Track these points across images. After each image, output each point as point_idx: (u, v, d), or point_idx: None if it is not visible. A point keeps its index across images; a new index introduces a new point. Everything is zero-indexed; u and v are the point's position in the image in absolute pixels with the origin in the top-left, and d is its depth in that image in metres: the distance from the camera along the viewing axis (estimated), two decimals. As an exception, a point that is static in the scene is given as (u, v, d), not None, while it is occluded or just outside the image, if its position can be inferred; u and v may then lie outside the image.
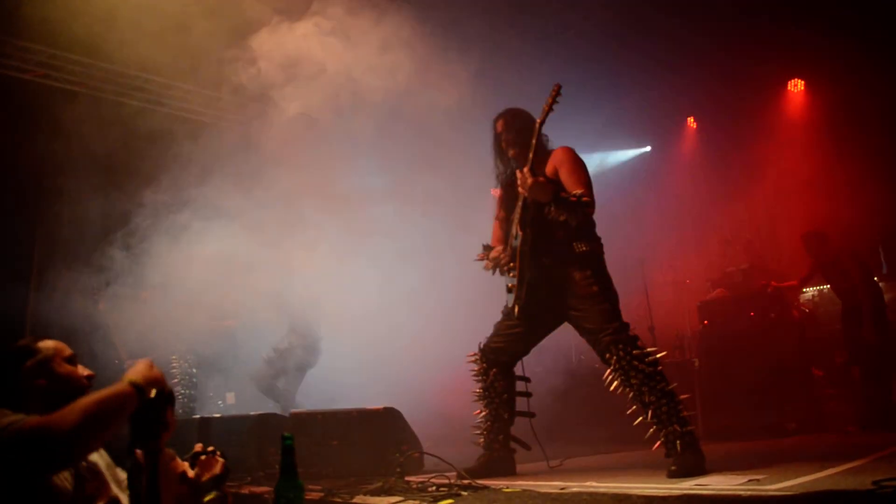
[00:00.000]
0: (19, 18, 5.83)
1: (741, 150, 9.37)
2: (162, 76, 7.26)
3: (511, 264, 3.88)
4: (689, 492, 2.51)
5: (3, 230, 6.28)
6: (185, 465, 2.08)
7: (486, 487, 3.00)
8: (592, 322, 3.65)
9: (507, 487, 3.02)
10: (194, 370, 6.55)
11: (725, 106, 9.34)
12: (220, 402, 6.86)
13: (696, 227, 9.29)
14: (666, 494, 2.41)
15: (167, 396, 1.69)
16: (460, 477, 3.32)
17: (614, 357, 3.54)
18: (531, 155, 3.74)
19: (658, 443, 3.45)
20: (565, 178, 3.75)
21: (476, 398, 4.12)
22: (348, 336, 6.35)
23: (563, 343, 6.94)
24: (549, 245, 3.76)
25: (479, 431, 4.06)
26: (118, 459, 2.00)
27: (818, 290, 7.81)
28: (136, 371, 1.69)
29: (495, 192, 4.34)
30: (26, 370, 1.86)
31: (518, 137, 3.94)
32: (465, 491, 2.93)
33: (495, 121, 4.10)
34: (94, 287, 5.82)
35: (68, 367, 1.92)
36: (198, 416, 5.10)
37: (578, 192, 3.63)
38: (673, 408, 3.42)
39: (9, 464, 1.51)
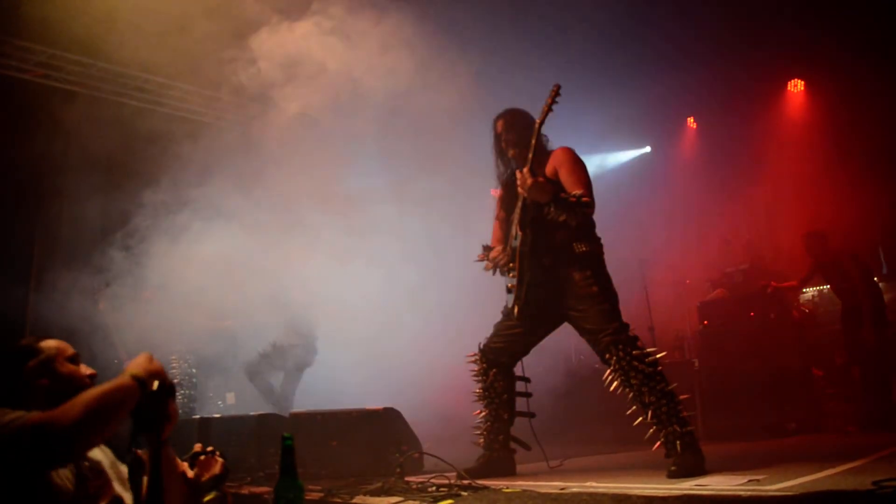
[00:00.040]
0: (19, 18, 5.84)
1: (741, 150, 9.38)
2: (162, 76, 7.26)
3: (511, 265, 3.88)
4: (689, 492, 2.51)
5: (3, 230, 6.28)
6: (185, 465, 2.08)
7: (485, 488, 3.00)
8: (592, 322, 3.65)
9: (507, 488, 3.02)
10: (194, 370, 6.55)
11: (725, 106, 9.35)
12: (219, 403, 6.87)
13: (696, 227, 9.30)
14: (666, 495, 2.41)
15: (168, 388, 1.69)
16: (460, 477, 3.32)
17: (614, 357, 3.54)
18: (531, 155, 3.74)
19: (658, 443, 3.45)
20: (565, 178, 3.75)
21: (476, 398, 4.11)
22: (348, 336, 6.35)
23: (563, 343, 6.93)
24: (549, 245, 3.76)
25: (479, 432, 4.06)
26: (121, 455, 1.99)
27: (818, 291, 7.81)
28: (137, 364, 1.69)
29: (495, 192, 4.34)
30: (29, 370, 1.86)
31: (518, 138, 3.94)
32: (464, 491, 2.92)
33: (495, 121, 4.10)
34: (93, 287, 5.82)
35: (70, 367, 1.92)
36: (198, 417, 5.10)
37: (578, 192, 3.63)
38: (673, 408, 3.42)
39: (11, 460, 1.50)
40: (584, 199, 3.60)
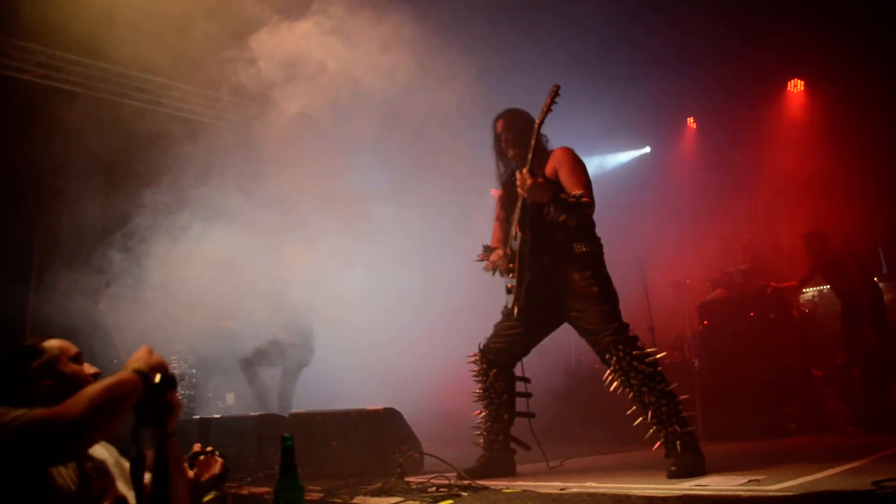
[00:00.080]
0: (18, 18, 5.84)
1: (741, 150, 9.37)
2: (161, 76, 7.27)
3: (511, 265, 3.88)
4: (689, 492, 2.51)
5: (3, 230, 6.28)
6: (185, 464, 2.07)
7: (485, 488, 3.00)
8: (592, 323, 3.65)
9: (507, 488, 3.02)
10: (194, 370, 6.55)
11: (725, 106, 9.34)
12: (220, 403, 6.87)
13: (696, 227, 9.30)
14: (666, 495, 2.41)
15: (170, 380, 1.69)
16: (460, 477, 3.32)
17: (614, 358, 3.54)
18: (530, 156, 3.74)
19: (658, 443, 3.45)
20: (565, 178, 3.75)
21: (476, 399, 4.11)
22: (348, 336, 6.35)
23: (563, 344, 6.93)
24: (549, 246, 3.75)
25: (479, 432, 4.05)
26: (125, 452, 1.99)
27: (818, 291, 7.81)
28: (137, 358, 1.69)
29: (495, 192, 4.34)
30: (33, 371, 1.85)
31: (518, 138, 3.94)
32: (464, 491, 2.92)
33: (495, 121, 4.10)
34: (93, 287, 5.82)
35: (74, 367, 1.91)
36: (197, 417, 5.10)
37: (578, 192, 3.62)
38: (673, 408, 3.42)
39: (16, 457, 1.49)
40: (584, 199, 3.60)
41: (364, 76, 5.43)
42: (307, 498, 2.84)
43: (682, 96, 9.46)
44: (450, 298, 6.53)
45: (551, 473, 3.86)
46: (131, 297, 5.55)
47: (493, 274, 4.05)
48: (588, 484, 3.08)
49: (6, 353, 1.90)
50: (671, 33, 8.15)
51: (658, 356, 3.56)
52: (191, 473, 2.08)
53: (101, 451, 1.92)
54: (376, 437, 4.29)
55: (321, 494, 3.07)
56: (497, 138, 4.08)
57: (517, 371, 4.14)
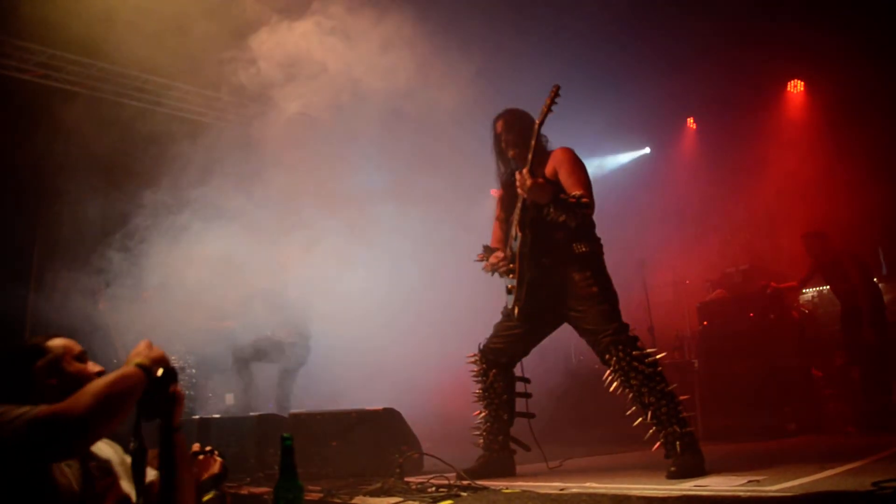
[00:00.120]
0: (18, 18, 5.84)
1: (741, 150, 9.36)
2: (161, 76, 7.27)
3: (510, 266, 3.88)
4: (689, 493, 2.51)
5: (3, 230, 6.28)
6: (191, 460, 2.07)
7: (485, 488, 3.00)
8: (592, 323, 3.64)
9: (507, 488, 3.02)
10: (194, 370, 6.55)
11: (725, 106, 9.34)
12: (220, 403, 6.86)
13: (696, 227, 9.30)
14: (665, 495, 2.41)
15: (172, 373, 1.69)
16: (460, 478, 3.32)
17: (614, 358, 3.54)
18: (530, 156, 3.73)
19: (657, 444, 3.45)
20: (564, 178, 3.74)
21: (476, 399, 4.11)
22: (348, 336, 6.35)
23: (563, 344, 6.93)
24: (549, 246, 3.75)
25: (478, 432, 4.05)
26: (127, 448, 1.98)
27: (818, 291, 7.81)
28: (138, 353, 1.69)
29: (495, 192, 4.33)
30: (37, 370, 1.84)
31: (518, 138, 3.93)
32: (464, 492, 2.92)
33: (495, 121, 4.09)
34: (93, 287, 5.82)
35: (78, 366, 1.91)
36: (197, 417, 5.10)
37: (578, 193, 3.62)
38: (672, 409, 3.42)
39: (22, 454, 1.49)
40: (584, 199, 3.60)
41: (364, 76, 5.43)
42: (307, 498, 2.84)
43: (682, 97, 9.45)
44: (450, 298, 6.53)
45: (551, 474, 3.86)
46: (131, 297, 5.55)
47: (493, 274, 4.05)
48: (588, 484, 3.08)
49: (10, 353, 1.90)
50: (671, 34, 8.16)
51: (658, 356, 3.56)
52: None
53: (107, 449, 1.92)
54: (376, 438, 4.29)
55: (321, 494, 3.07)
56: (497, 138, 4.07)
57: (517, 371, 4.14)
